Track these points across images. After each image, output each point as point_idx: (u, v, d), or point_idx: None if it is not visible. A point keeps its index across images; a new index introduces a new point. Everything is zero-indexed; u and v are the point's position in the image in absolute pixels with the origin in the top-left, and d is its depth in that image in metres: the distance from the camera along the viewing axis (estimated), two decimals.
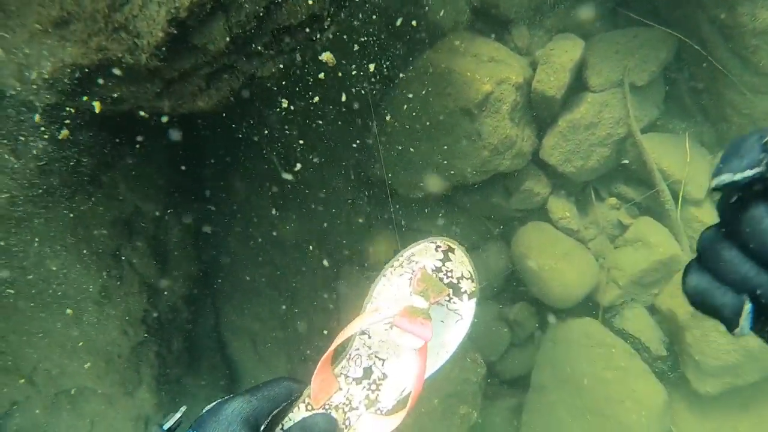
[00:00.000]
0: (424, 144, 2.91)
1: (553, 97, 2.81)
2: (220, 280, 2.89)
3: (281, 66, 1.42)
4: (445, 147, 2.88)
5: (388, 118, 2.87)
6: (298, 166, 2.69)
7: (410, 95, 2.89)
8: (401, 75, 2.90)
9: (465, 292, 1.13)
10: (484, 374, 3.10)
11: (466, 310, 1.12)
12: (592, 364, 3.10)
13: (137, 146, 1.95)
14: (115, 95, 1.30)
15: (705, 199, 3.02)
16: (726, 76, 2.78)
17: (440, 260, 1.13)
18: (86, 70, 1.18)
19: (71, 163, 1.61)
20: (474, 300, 1.09)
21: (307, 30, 1.36)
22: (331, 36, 1.44)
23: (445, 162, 2.90)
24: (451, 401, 3.07)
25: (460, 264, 1.12)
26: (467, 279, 1.12)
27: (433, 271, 1.13)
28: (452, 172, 2.92)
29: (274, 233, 2.94)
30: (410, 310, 1.00)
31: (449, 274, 1.16)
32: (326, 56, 1.50)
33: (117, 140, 1.84)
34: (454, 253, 1.13)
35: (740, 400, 2.97)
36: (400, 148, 2.98)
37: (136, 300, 2.47)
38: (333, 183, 3.06)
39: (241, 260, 2.98)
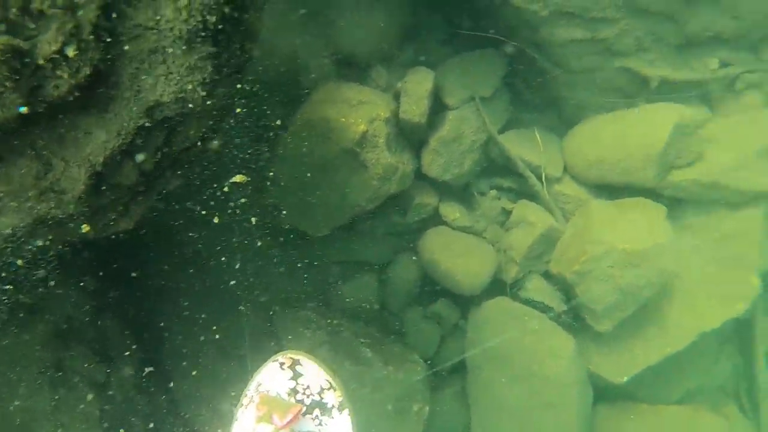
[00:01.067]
0: (319, 188, 3.25)
1: (419, 123, 3.26)
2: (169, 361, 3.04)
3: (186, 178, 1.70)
4: (338, 186, 3.25)
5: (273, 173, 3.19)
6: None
7: (296, 148, 3.22)
8: (285, 134, 3.22)
9: (333, 406, 1.00)
10: (424, 370, 3.49)
11: (342, 428, 0.98)
12: (512, 336, 3.59)
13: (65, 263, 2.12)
14: (46, 241, 1.51)
15: (563, 176, 3.61)
16: (551, 73, 3.37)
17: (291, 378, 1.01)
18: (20, 229, 1.38)
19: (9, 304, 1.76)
20: (346, 411, 0.98)
21: (200, 144, 1.64)
22: (217, 144, 1.73)
23: (342, 198, 3.27)
24: (403, 402, 3.43)
25: (315, 376, 1.00)
26: (329, 390, 0.98)
27: (289, 393, 1.01)
28: (350, 205, 3.29)
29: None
30: None
31: (307, 391, 1.02)
32: (239, 178, 1.76)
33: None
34: (302, 365, 1.04)
35: (629, 329, 3.58)
36: (299, 196, 3.31)
37: (89, 403, 2.59)
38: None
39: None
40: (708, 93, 3.54)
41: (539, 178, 3.54)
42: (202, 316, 2.99)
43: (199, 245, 2.66)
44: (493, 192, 3.77)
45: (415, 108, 3.23)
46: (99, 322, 2.45)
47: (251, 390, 0.99)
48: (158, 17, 1.25)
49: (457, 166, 3.48)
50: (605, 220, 3.35)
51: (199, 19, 1.30)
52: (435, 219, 3.69)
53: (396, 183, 3.34)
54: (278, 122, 3.19)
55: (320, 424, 0.91)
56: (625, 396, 4.24)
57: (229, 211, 2.63)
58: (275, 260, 3.36)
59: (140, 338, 2.73)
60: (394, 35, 3.38)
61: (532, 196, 3.65)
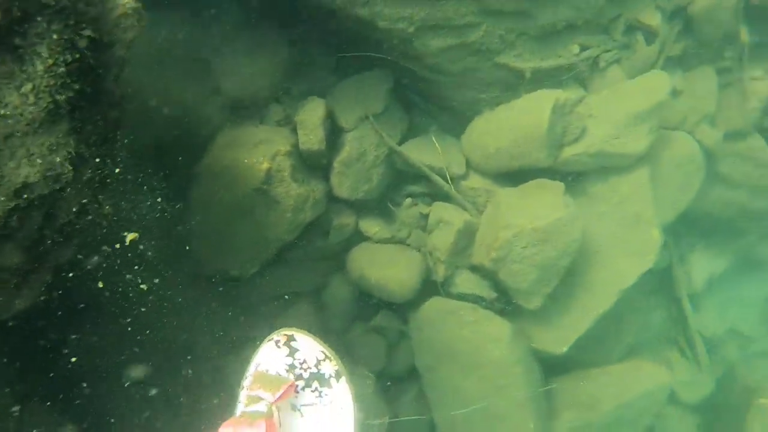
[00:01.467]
0: (238, 230, 3.33)
1: (319, 150, 3.40)
2: None
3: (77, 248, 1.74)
4: (256, 224, 3.33)
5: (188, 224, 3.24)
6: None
7: (206, 197, 3.29)
8: (193, 185, 3.29)
9: (331, 376, 1.04)
10: (374, 383, 3.59)
11: (341, 395, 1.02)
12: (452, 331, 3.74)
13: None
14: None
15: (467, 172, 3.83)
16: (434, 80, 3.61)
17: (288, 355, 1.04)
18: None
19: None
20: (343, 379, 1.03)
21: (85, 213, 1.70)
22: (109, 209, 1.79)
23: (262, 235, 3.35)
24: (362, 420, 3.50)
25: (310, 349, 1.04)
26: (324, 360, 1.02)
27: (288, 369, 1.06)
28: (271, 240, 3.38)
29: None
30: (234, 420, 0.92)
31: (304, 365, 1.06)
32: (131, 236, 1.83)
33: None
34: (296, 340, 1.08)
35: (559, 300, 3.81)
36: (219, 241, 3.37)
37: None
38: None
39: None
40: (579, 74, 3.87)
41: (445, 179, 3.74)
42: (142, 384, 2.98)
43: (119, 309, 2.68)
44: (408, 200, 3.94)
45: (312, 137, 3.37)
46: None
47: (251, 371, 1.03)
48: (5, 104, 1.32)
49: (365, 182, 3.64)
50: (512, 205, 3.58)
51: (49, 100, 1.38)
52: (357, 236, 3.82)
53: (310, 211, 3.46)
54: (181, 174, 3.25)
55: (320, 395, 0.97)
56: (574, 364, 4.48)
57: (139, 268, 2.67)
58: (208, 309, 3.38)
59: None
60: (281, 72, 3.52)
61: (445, 197, 3.84)
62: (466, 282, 3.77)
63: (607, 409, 4.24)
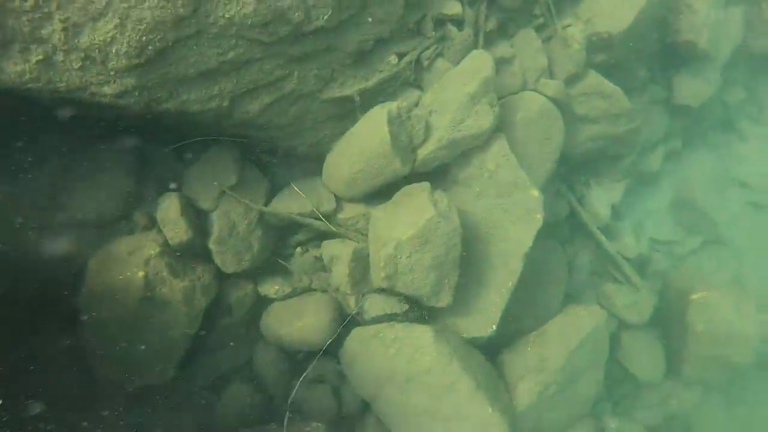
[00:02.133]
0: (141, 341, 3.37)
1: (188, 240, 3.48)
2: None
3: None
4: (157, 329, 3.39)
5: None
6: None
7: (97, 319, 3.33)
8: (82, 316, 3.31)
9: None
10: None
11: None
12: (379, 354, 3.84)
13: None
14: None
15: (339, 204, 3.97)
16: (272, 137, 3.74)
17: None
18: None
19: None
20: None
21: None
22: None
23: (167, 337, 3.41)
24: None
25: None
26: None
27: None
28: (178, 339, 3.44)
29: None
30: None
31: None
32: None
33: None
34: None
35: (469, 289, 3.96)
36: (126, 357, 3.39)
37: None
38: None
39: None
40: (407, 79, 4.07)
41: (320, 218, 3.86)
42: None
43: None
44: (299, 249, 4.05)
45: (177, 231, 3.45)
46: None
47: None
48: None
49: (247, 251, 3.73)
50: (385, 221, 3.72)
51: None
52: (261, 301, 3.90)
53: (202, 297, 3.53)
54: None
55: None
56: (516, 335, 4.65)
57: None
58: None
59: None
60: (129, 183, 3.58)
61: (329, 235, 3.96)
62: (375, 305, 3.88)
63: (558, 365, 4.39)
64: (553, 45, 4.62)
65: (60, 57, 2.74)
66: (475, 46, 4.28)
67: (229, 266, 3.67)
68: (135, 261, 3.38)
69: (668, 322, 5.49)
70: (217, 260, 3.66)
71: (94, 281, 3.40)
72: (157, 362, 3.51)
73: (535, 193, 4.17)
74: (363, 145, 3.71)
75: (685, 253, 5.98)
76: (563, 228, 5.41)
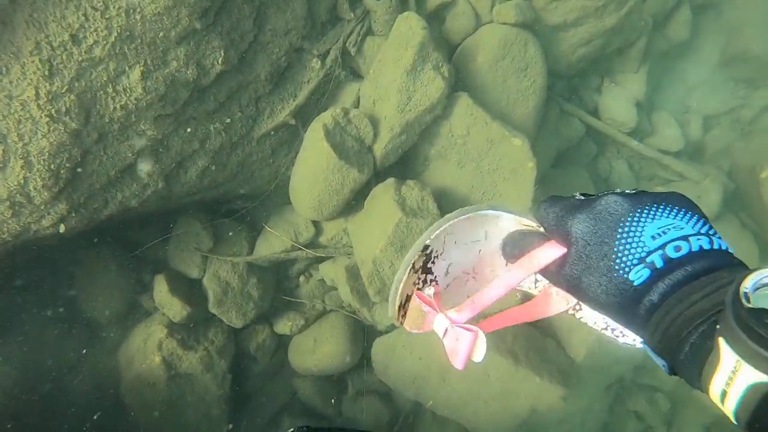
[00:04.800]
0: (184, 419, 3.65)
1: (188, 314, 3.61)
2: None
3: None
4: (192, 405, 3.63)
5: None
6: None
7: (142, 407, 3.64)
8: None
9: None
10: None
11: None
12: (408, 358, 3.80)
13: None
14: None
15: (318, 228, 3.88)
16: (226, 192, 3.71)
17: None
18: None
19: None
20: None
21: None
22: None
23: (204, 405, 3.65)
24: None
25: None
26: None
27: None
28: (212, 402, 3.67)
29: None
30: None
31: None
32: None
33: None
34: None
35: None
36: None
37: None
38: None
39: None
40: (338, 76, 3.79)
41: (304, 247, 3.81)
42: None
43: None
44: (301, 278, 4.06)
45: (174, 309, 3.61)
46: None
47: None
48: None
49: (248, 301, 3.81)
50: (360, 235, 3.58)
51: None
52: (281, 341, 4.00)
53: (222, 360, 3.70)
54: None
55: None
56: None
57: None
58: None
59: None
60: (124, 277, 3.80)
61: (320, 259, 3.92)
62: (384, 314, 3.80)
63: None
64: None
65: None
66: (401, 9, 3.83)
67: (237, 322, 3.79)
68: (150, 348, 3.61)
69: (748, 203, 4.79)
70: (225, 320, 3.79)
71: (126, 373, 3.70)
72: (207, 429, 3.78)
73: (517, 141, 3.75)
74: (313, 166, 3.55)
75: (758, 112, 5.09)
76: (586, 146, 4.84)
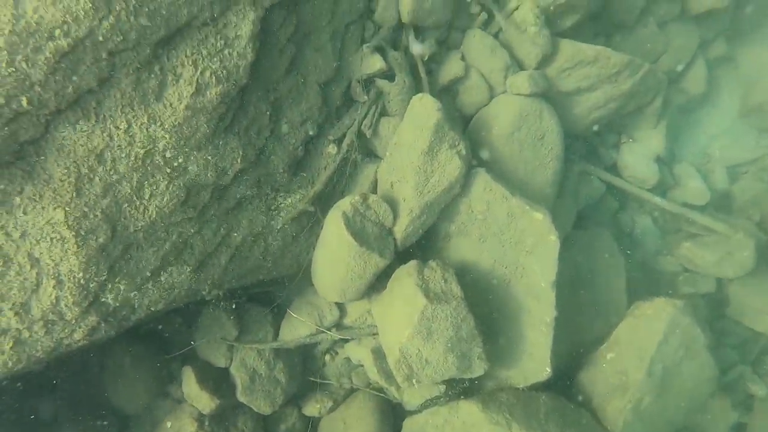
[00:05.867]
0: None
1: (217, 405, 3.61)
2: None
3: None
4: None
5: None
6: None
7: None
8: None
9: None
10: None
11: None
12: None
13: None
14: None
15: (343, 311, 3.87)
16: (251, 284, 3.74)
17: None
18: None
19: None
20: None
21: None
22: None
23: None
24: None
25: None
26: None
27: None
28: None
29: None
30: None
31: None
32: None
33: None
34: None
35: (505, 340, 3.68)
36: None
37: None
38: None
39: None
40: (355, 161, 3.81)
41: (329, 330, 3.82)
42: None
43: None
44: (327, 356, 4.06)
45: (202, 402, 3.62)
46: None
47: None
48: None
49: (276, 387, 3.81)
50: (385, 319, 3.55)
51: None
52: (310, 422, 3.99)
53: None
54: None
55: None
56: (588, 346, 4.26)
57: None
58: None
59: None
60: (153, 374, 3.84)
61: (346, 341, 3.92)
62: (413, 395, 3.77)
63: (640, 376, 3.95)
64: (508, 35, 4.01)
65: (26, 334, 2.96)
66: (415, 87, 3.86)
67: (265, 408, 3.79)
68: None
69: None
70: (254, 407, 3.79)
71: None
72: None
73: (538, 215, 3.71)
74: (335, 254, 3.56)
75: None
76: (607, 203, 4.78)
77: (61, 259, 2.91)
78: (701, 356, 4.19)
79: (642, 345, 4.01)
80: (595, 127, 4.46)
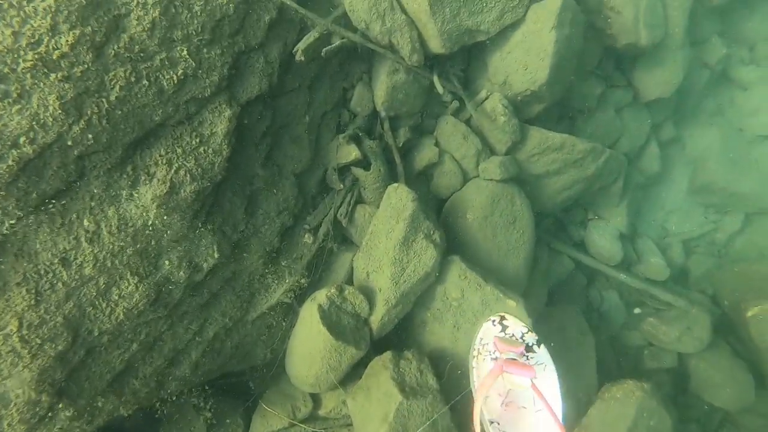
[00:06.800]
0: None
1: None
2: None
3: None
4: None
5: None
6: None
7: None
8: None
9: (533, 344, 1.34)
10: None
11: (543, 356, 1.28)
12: None
13: None
14: None
15: (316, 404, 3.76)
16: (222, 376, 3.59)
17: (501, 330, 1.49)
18: None
19: None
20: (543, 345, 1.43)
21: None
22: None
23: None
24: None
25: (516, 326, 1.40)
26: (528, 333, 1.32)
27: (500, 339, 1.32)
28: None
29: None
30: (509, 361, 1.30)
31: (513, 337, 1.38)
32: None
33: None
34: (507, 319, 1.58)
35: None
36: None
37: None
38: None
39: None
40: (332, 248, 3.78)
41: (301, 426, 3.69)
42: None
43: None
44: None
45: None
46: None
47: (477, 344, 1.33)
48: None
49: None
50: (360, 415, 3.46)
51: None
52: None
53: None
54: None
55: (527, 357, 1.21)
56: None
57: None
58: None
59: None
60: None
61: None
62: None
63: None
64: (479, 122, 4.13)
65: None
66: (390, 174, 3.90)
67: None
68: None
69: (737, 335, 4.83)
70: None
71: None
72: None
73: (511, 302, 3.71)
74: (310, 346, 3.48)
75: (729, 236, 5.23)
76: (576, 278, 4.89)
77: (11, 373, 2.71)
78: None
79: (612, 430, 4.04)
80: (566, 203, 4.60)
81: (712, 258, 5.13)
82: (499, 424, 1.40)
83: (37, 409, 2.79)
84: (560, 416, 1.33)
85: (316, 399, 3.78)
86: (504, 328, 1.22)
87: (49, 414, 2.84)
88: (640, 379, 4.19)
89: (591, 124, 4.78)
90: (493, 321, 1.19)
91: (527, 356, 1.23)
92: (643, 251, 4.99)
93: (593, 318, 4.86)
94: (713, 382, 4.74)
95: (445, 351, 3.85)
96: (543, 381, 1.20)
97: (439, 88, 3.84)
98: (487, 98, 4.07)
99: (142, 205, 2.90)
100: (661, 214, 5.21)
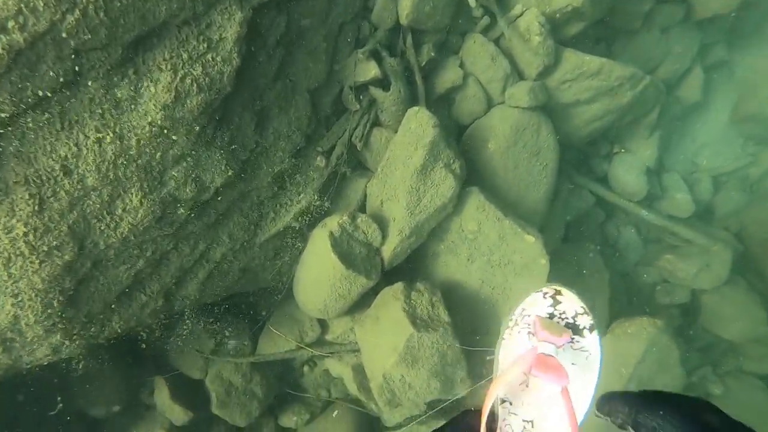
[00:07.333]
0: None
1: (191, 418, 3.49)
2: None
3: None
4: None
5: None
6: None
7: None
8: None
9: (584, 327, 1.18)
10: None
11: (591, 344, 1.16)
12: None
13: None
14: None
15: (325, 327, 3.75)
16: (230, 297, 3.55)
17: (551, 305, 1.19)
18: None
19: None
20: (595, 332, 1.16)
21: None
22: None
23: None
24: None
25: (571, 303, 1.17)
26: (582, 315, 1.16)
27: (547, 317, 1.18)
28: None
29: None
30: (541, 359, 1.06)
31: (563, 315, 1.19)
32: None
33: None
34: (562, 295, 1.22)
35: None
36: None
37: None
38: None
39: None
40: (345, 173, 3.60)
41: (310, 346, 3.70)
42: None
43: None
44: (306, 367, 3.96)
45: (174, 414, 3.49)
46: None
47: (516, 314, 1.21)
48: None
49: (252, 400, 3.71)
50: (368, 341, 3.45)
51: None
52: None
53: None
54: None
55: (572, 341, 1.12)
56: None
57: None
58: None
59: None
60: (126, 372, 3.68)
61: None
62: (396, 413, 3.72)
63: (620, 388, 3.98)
64: (510, 42, 3.78)
65: None
66: (411, 96, 3.62)
67: (241, 421, 3.70)
68: None
69: (759, 270, 4.72)
70: (227, 420, 3.69)
71: None
72: None
73: (530, 237, 3.61)
74: (319, 273, 3.40)
75: (765, 171, 4.97)
76: (595, 214, 4.72)
77: (21, 277, 2.66)
78: (673, 370, 4.26)
79: (618, 366, 4.04)
80: (593, 136, 4.34)
81: (741, 194, 4.90)
82: (511, 404, 1.11)
83: (50, 312, 2.78)
84: (583, 418, 1.07)
85: (323, 324, 3.77)
86: (556, 303, 0.95)
87: (61, 320, 2.83)
88: (654, 315, 4.15)
89: (631, 46, 4.39)
90: (545, 293, 0.96)
91: (573, 340, 0.97)
92: (669, 187, 4.77)
93: (608, 253, 4.74)
94: (724, 315, 4.71)
95: (456, 283, 3.78)
96: (579, 376, 0.92)
97: (471, 1, 3.47)
98: (522, 14, 3.69)
99: (145, 113, 2.69)
100: (692, 147, 4.93)
